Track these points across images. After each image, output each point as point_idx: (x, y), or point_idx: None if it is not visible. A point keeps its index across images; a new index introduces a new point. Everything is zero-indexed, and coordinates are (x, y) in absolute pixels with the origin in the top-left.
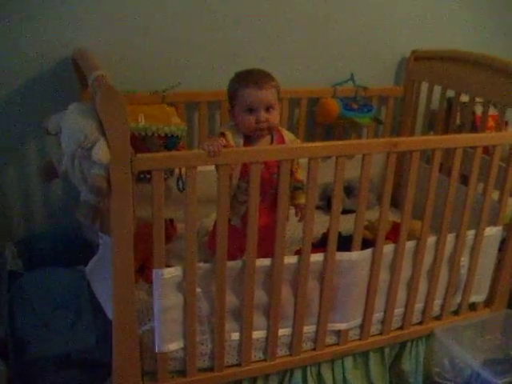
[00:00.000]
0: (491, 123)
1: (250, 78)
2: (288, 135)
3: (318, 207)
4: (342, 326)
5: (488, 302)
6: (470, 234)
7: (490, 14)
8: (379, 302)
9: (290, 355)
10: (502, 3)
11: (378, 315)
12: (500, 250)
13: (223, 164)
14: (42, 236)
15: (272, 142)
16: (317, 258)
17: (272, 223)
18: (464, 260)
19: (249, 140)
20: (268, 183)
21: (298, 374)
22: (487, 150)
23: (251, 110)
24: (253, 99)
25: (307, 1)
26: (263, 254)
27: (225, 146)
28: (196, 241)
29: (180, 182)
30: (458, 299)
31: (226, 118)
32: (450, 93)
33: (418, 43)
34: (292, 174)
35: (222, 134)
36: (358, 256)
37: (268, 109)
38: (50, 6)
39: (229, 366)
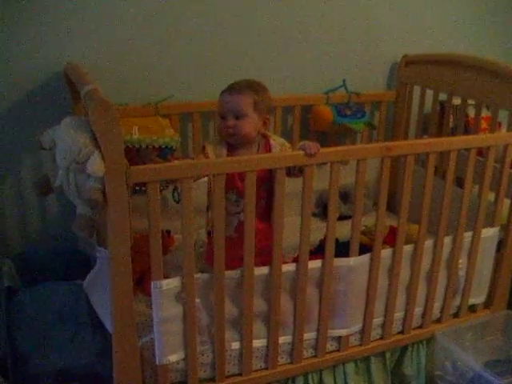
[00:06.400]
0: (484, 125)
1: (229, 85)
2: (276, 139)
3: (314, 214)
4: (343, 332)
5: (488, 304)
6: (467, 235)
7: (479, 17)
8: (379, 307)
9: (291, 363)
10: (491, 6)
11: (378, 320)
12: (498, 250)
13: (215, 174)
14: (39, 251)
15: (258, 151)
16: (315, 264)
17: (264, 232)
18: (462, 262)
19: (233, 150)
20: (257, 193)
21: (299, 382)
22: (481, 152)
23: (223, 117)
24: (223, 104)
25: (298, 9)
26: (260, 263)
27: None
28: (193, 251)
29: (176, 193)
30: (458, 301)
31: None
32: (443, 96)
33: (409, 48)
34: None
35: (203, 147)
36: (356, 261)
37: (237, 116)
38: (40, 20)
39: (230, 376)
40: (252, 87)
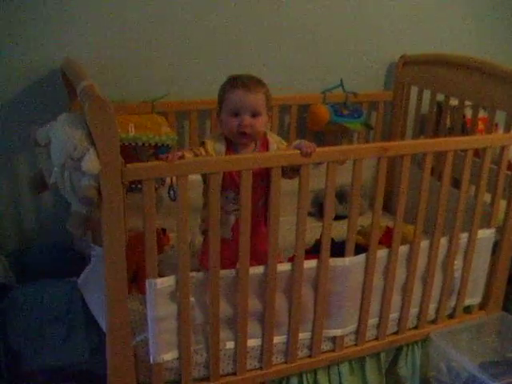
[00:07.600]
0: (481, 126)
1: (239, 81)
2: (273, 137)
3: (310, 214)
4: (338, 332)
5: (483, 305)
6: (463, 237)
7: (478, 18)
8: (374, 307)
9: (286, 363)
10: (491, 6)
11: (373, 320)
12: (493, 252)
13: (211, 173)
14: (34, 248)
15: (256, 148)
16: (310, 264)
17: (267, 235)
18: (458, 263)
19: (232, 147)
20: (255, 191)
21: (294, 382)
22: (478, 153)
23: (236, 114)
24: (239, 102)
25: (296, 8)
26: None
27: (180, 158)
28: (188, 250)
29: (171, 191)
30: (453, 303)
31: (216, 127)
32: (440, 96)
33: (407, 48)
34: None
35: (203, 143)
36: (352, 261)
37: (254, 114)
38: (37, 17)
39: (224, 375)
40: (262, 83)
